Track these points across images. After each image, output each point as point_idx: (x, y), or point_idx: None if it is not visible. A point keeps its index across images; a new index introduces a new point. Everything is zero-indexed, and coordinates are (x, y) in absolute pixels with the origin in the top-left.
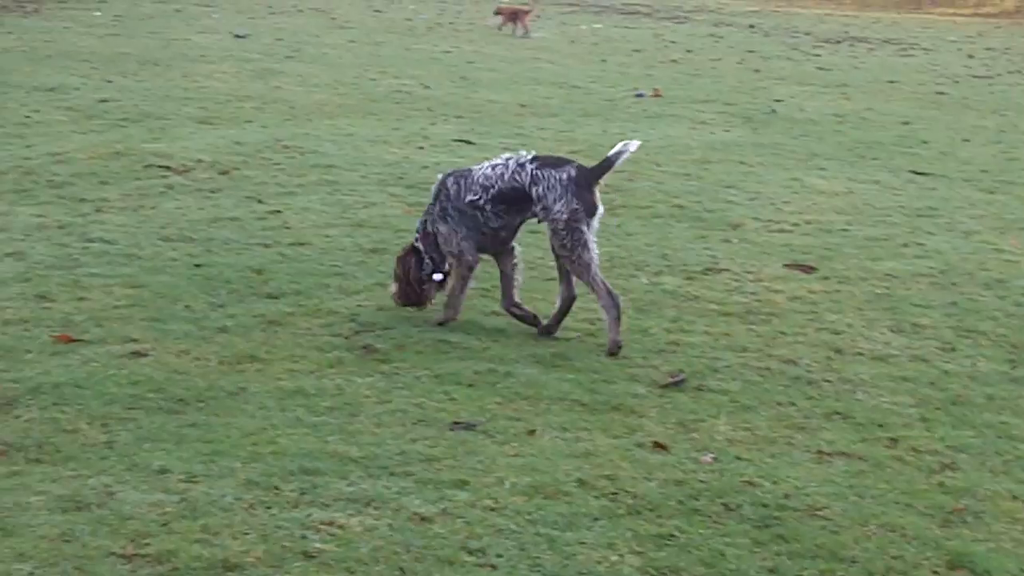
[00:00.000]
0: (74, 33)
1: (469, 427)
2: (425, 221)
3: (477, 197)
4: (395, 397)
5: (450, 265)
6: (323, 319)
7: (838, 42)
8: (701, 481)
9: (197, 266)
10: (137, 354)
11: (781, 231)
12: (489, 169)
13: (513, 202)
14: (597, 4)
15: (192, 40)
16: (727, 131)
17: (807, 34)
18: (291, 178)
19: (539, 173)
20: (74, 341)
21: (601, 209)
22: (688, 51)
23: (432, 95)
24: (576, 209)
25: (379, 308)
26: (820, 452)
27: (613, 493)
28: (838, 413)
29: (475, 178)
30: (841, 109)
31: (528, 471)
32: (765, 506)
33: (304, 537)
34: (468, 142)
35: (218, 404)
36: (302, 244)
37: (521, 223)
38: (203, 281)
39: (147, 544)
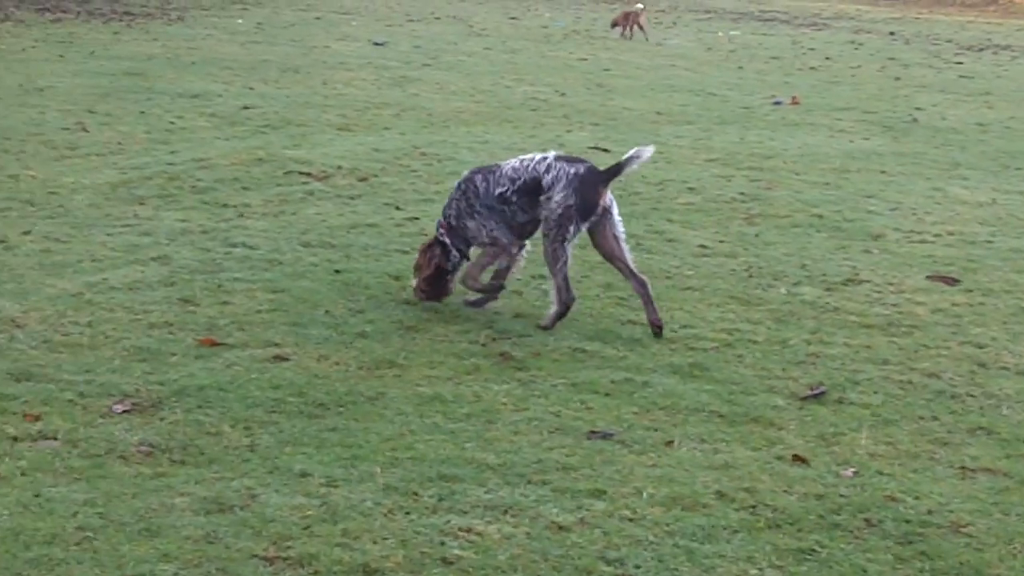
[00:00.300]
0: (217, 40)
1: (606, 436)
2: (449, 215)
3: (505, 189)
4: (532, 405)
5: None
6: (460, 325)
7: (981, 50)
8: (842, 495)
9: (337, 272)
10: (278, 358)
11: (923, 242)
12: (517, 163)
13: (534, 193)
14: (735, 11)
15: (332, 47)
16: (867, 140)
17: (948, 41)
18: (428, 185)
19: (554, 164)
20: (217, 345)
21: (614, 207)
22: (827, 58)
23: (568, 102)
24: (571, 205)
25: (515, 315)
26: (964, 468)
27: (752, 506)
28: (982, 428)
29: (503, 172)
30: (984, 118)
31: (666, 482)
32: (908, 522)
33: (443, 543)
34: (604, 149)
35: (357, 409)
36: None
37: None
38: (343, 287)
39: (289, 547)
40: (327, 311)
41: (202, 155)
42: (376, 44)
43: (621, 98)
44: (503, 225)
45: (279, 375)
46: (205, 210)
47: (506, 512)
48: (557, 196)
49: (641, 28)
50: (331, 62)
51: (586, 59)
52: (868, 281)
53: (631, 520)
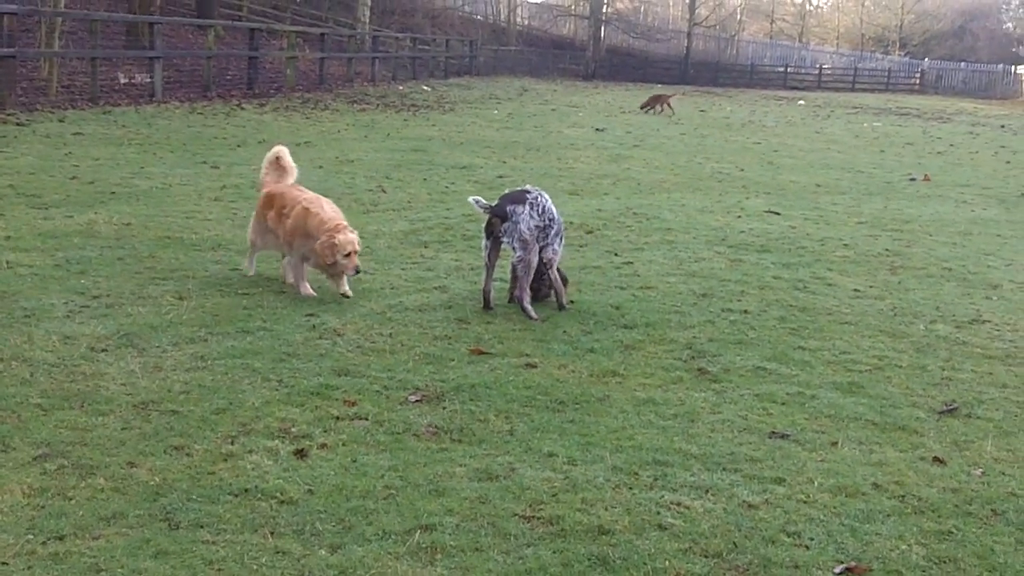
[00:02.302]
0: (478, 126)
1: (784, 436)
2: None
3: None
4: (724, 409)
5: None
6: (666, 346)
7: None
8: (973, 490)
9: (571, 302)
10: (529, 365)
11: None
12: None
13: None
14: (877, 107)
15: (564, 132)
16: (984, 210)
17: None
18: (639, 237)
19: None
20: (484, 353)
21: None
22: (950, 145)
23: (745, 176)
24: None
25: (710, 339)
26: None
27: (901, 496)
28: None
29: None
30: None
31: (832, 474)
32: None
33: (658, 513)
34: (776, 212)
35: (589, 407)
36: (649, 288)
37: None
38: (576, 313)
39: (541, 509)
40: (564, 331)
41: (469, 212)
42: (597, 130)
43: (788, 173)
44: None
45: (530, 378)
46: (472, 252)
47: (707, 492)
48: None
49: (670, 107)
50: (563, 143)
51: (759, 143)
52: (989, 321)
53: (805, 503)
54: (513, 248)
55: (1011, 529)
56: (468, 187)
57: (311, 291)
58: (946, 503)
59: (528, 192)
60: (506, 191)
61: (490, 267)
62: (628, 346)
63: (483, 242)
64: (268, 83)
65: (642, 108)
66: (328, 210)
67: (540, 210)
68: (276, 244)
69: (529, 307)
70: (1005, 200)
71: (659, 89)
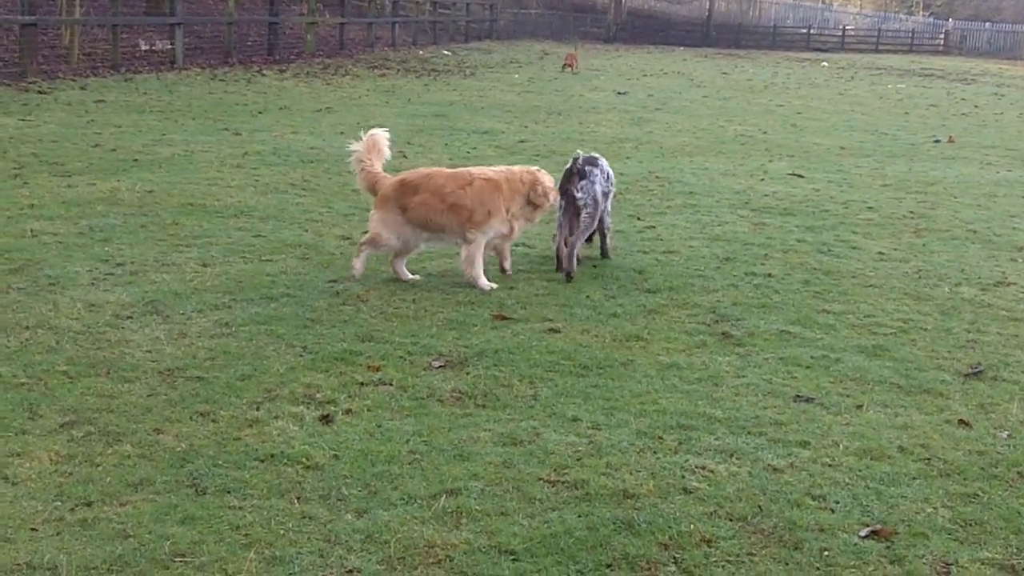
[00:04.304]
0: (499, 90)
1: (808, 400)
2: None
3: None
4: (748, 373)
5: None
6: (689, 310)
7: None
8: (999, 452)
9: (594, 267)
10: (552, 331)
11: None
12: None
13: None
14: (901, 68)
15: (585, 96)
16: (1010, 171)
17: None
18: (662, 201)
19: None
20: (506, 319)
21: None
22: (975, 106)
23: (769, 139)
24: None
25: (733, 303)
26: None
27: (927, 459)
28: None
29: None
30: None
31: (857, 437)
32: None
33: (683, 477)
34: (799, 175)
35: (613, 371)
36: (672, 252)
37: None
38: (599, 278)
39: (566, 473)
40: (587, 296)
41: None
42: (619, 93)
43: (811, 136)
44: None
45: (553, 343)
46: None
47: (732, 455)
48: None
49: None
50: (585, 107)
51: (783, 105)
52: (1015, 283)
53: (830, 466)
54: (585, 204)
55: None
56: (490, 152)
57: (490, 284)
58: (972, 466)
59: (599, 159)
60: (577, 153)
61: (564, 226)
62: (651, 310)
63: (558, 202)
64: (288, 49)
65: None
66: (499, 168)
67: (606, 176)
68: (433, 235)
69: (576, 260)
70: None
71: (680, 52)
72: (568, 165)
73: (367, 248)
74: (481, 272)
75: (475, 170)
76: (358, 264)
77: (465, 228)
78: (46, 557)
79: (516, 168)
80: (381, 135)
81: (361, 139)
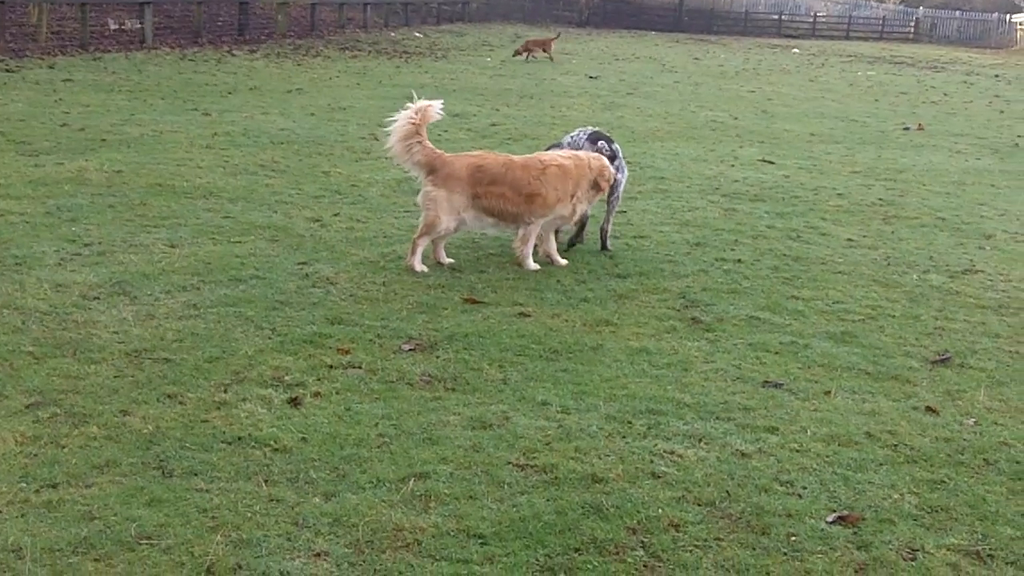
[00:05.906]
0: (471, 73)
1: (777, 386)
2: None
3: None
4: (718, 358)
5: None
6: (659, 295)
7: None
8: (965, 439)
9: (565, 250)
10: (523, 315)
11: None
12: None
13: None
14: (871, 55)
15: (557, 80)
16: (978, 159)
17: None
18: (632, 186)
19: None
20: (477, 303)
21: None
22: (945, 94)
23: (739, 125)
24: None
25: (703, 289)
26: None
27: (894, 445)
28: None
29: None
30: None
31: (825, 423)
32: (1018, 463)
33: (652, 461)
34: (769, 162)
35: (583, 355)
36: (643, 237)
37: None
38: (570, 263)
39: (535, 457)
40: (558, 280)
41: None
42: (591, 77)
43: (782, 122)
44: None
45: (523, 328)
46: None
47: (700, 440)
48: None
49: (547, 52)
50: (557, 91)
51: (754, 91)
52: (982, 271)
53: (798, 451)
54: (618, 184)
55: (1002, 478)
56: (461, 135)
57: (535, 265)
58: (938, 452)
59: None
60: (588, 128)
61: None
62: (621, 295)
63: None
64: (259, 29)
65: (515, 55)
66: (567, 153)
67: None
68: (500, 223)
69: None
70: (999, 150)
71: (652, 37)
72: (600, 148)
73: (424, 239)
74: (530, 253)
75: (545, 156)
76: (416, 262)
77: (535, 214)
78: (10, 539)
79: (582, 153)
80: (436, 105)
81: (409, 108)
